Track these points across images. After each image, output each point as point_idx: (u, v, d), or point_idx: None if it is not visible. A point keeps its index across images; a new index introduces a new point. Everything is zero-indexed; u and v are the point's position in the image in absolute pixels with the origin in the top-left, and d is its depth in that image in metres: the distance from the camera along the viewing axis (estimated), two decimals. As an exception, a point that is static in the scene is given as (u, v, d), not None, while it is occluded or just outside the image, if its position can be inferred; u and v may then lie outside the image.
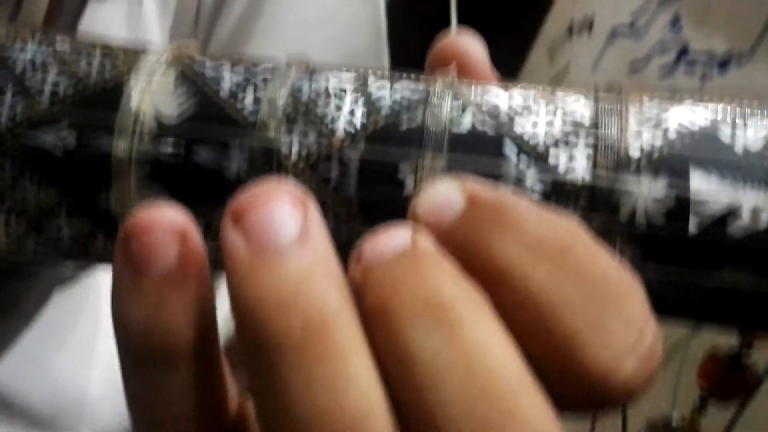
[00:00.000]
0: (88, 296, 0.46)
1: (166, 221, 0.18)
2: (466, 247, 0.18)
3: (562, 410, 0.18)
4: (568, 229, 0.18)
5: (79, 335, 0.44)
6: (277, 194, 0.18)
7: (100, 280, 0.47)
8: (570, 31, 1.02)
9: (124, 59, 0.22)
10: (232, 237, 0.17)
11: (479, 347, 0.16)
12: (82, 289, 0.46)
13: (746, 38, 0.90)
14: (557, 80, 1.02)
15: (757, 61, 0.89)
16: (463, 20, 0.98)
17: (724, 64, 0.92)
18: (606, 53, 1.00)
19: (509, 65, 1.00)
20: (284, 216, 0.17)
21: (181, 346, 0.18)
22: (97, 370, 0.44)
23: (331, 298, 0.17)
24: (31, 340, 0.42)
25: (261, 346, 0.17)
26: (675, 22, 0.97)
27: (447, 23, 0.96)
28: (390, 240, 0.18)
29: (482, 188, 0.18)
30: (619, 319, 0.17)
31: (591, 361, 0.17)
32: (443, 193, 0.18)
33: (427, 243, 0.18)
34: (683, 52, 0.96)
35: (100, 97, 0.21)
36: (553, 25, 1.04)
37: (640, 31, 0.99)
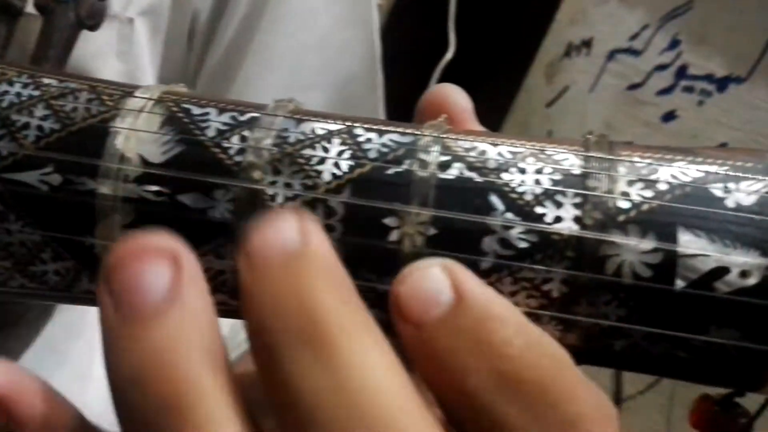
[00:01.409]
0: (86, 313, 0.46)
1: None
2: (443, 357, 0.17)
3: None
4: (550, 361, 0.17)
5: (78, 352, 0.44)
6: (145, 250, 0.17)
7: None
8: (568, 53, 1.03)
9: (111, 99, 0.22)
10: (101, 299, 0.17)
11: (357, 372, 0.16)
12: (80, 306, 0.46)
13: (745, 60, 0.90)
14: (555, 101, 1.02)
15: (756, 82, 0.89)
16: (460, 43, 0.98)
17: (722, 87, 0.93)
18: (604, 74, 1.00)
19: (507, 87, 1.01)
20: (151, 275, 0.16)
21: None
22: (95, 386, 0.44)
23: (195, 368, 0.16)
24: (30, 357, 0.42)
25: (120, 416, 0.16)
26: (674, 45, 0.97)
27: (444, 46, 0.96)
28: (279, 233, 0.17)
29: (474, 284, 0.18)
30: None
31: None
32: (431, 283, 0.18)
33: (317, 240, 0.17)
34: (682, 73, 0.96)
35: (86, 138, 0.21)
36: (550, 48, 1.04)
37: (639, 52, 0.99)
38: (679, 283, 0.18)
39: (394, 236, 0.19)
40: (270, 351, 0.16)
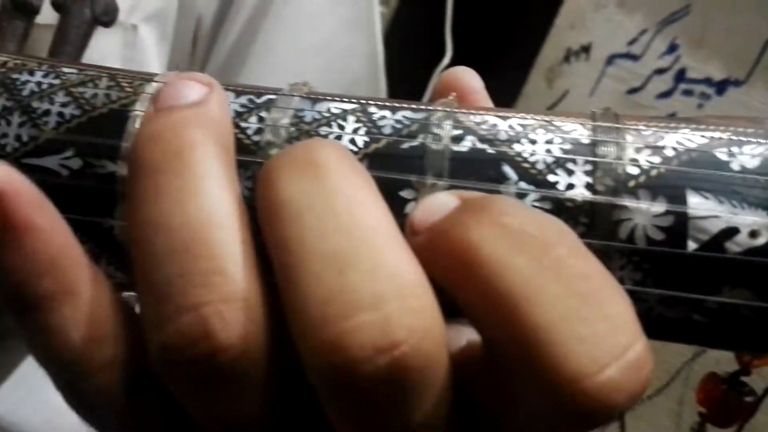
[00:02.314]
0: None
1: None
2: (449, 235, 0.18)
3: None
4: (554, 227, 0.18)
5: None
6: (189, 77, 0.21)
7: None
8: (567, 58, 1.03)
9: (131, 86, 0.22)
10: (148, 110, 0.20)
11: (343, 194, 0.17)
12: None
13: (743, 63, 0.91)
14: (555, 105, 1.03)
15: (754, 85, 0.90)
16: (460, 47, 0.98)
17: (721, 90, 0.93)
18: (604, 79, 1.01)
19: (507, 91, 1.01)
20: (189, 89, 0.20)
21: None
22: None
23: (197, 136, 0.19)
24: (30, 368, 0.42)
25: (131, 168, 0.19)
26: (672, 49, 0.97)
27: (444, 50, 0.97)
28: (184, 89, 0.21)
29: (476, 193, 0.19)
30: (604, 319, 0.16)
31: (564, 360, 0.16)
32: (440, 200, 0.19)
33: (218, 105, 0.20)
34: (681, 77, 0.97)
35: (106, 122, 0.21)
36: (550, 53, 1.05)
37: (638, 57, 0.99)
38: (691, 245, 0.19)
39: (410, 208, 0.20)
40: (268, 174, 0.19)
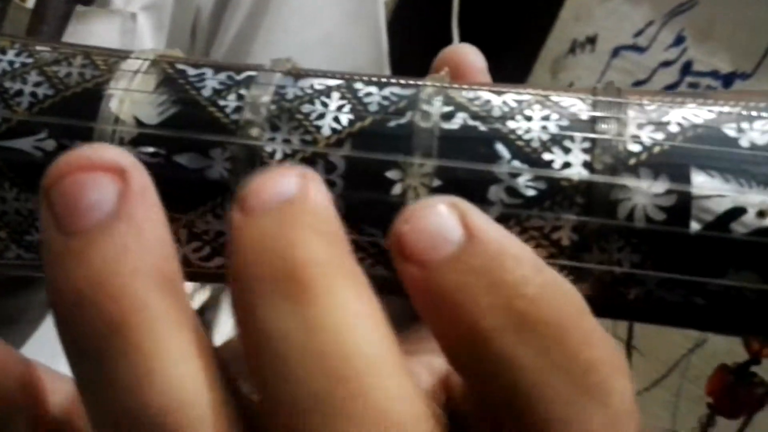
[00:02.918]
0: None
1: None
2: (453, 297, 0.16)
3: None
4: (569, 303, 0.16)
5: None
6: (89, 164, 0.15)
7: None
8: (573, 49, 1.02)
9: (105, 64, 0.21)
10: (41, 214, 0.16)
11: (336, 326, 0.15)
12: None
13: (750, 56, 0.89)
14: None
15: (761, 78, 0.89)
16: (465, 39, 0.98)
17: (728, 83, 0.92)
18: (609, 71, 1.00)
19: (511, 83, 1.00)
20: (96, 190, 0.15)
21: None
22: None
23: (142, 287, 0.15)
24: (28, 354, 0.41)
25: (65, 341, 0.16)
26: (679, 41, 0.96)
27: (449, 42, 0.96)
28: (278, 183, 0.16)
29: (484, 221, 0.16)
30: (604, 415, 0.16)
31: None
32: (439, 220, 0.16)
33: (316, 192, 0.16)
34: (687, 70, 0.96)
35: (80, 102, 0.21)
36: (555, 45, 1.03)
37: (644, 49, 0.98)
38: (694, 226, 0.17)
39: (397, 189, 0.19)
40: (246, 296, 0.15)
